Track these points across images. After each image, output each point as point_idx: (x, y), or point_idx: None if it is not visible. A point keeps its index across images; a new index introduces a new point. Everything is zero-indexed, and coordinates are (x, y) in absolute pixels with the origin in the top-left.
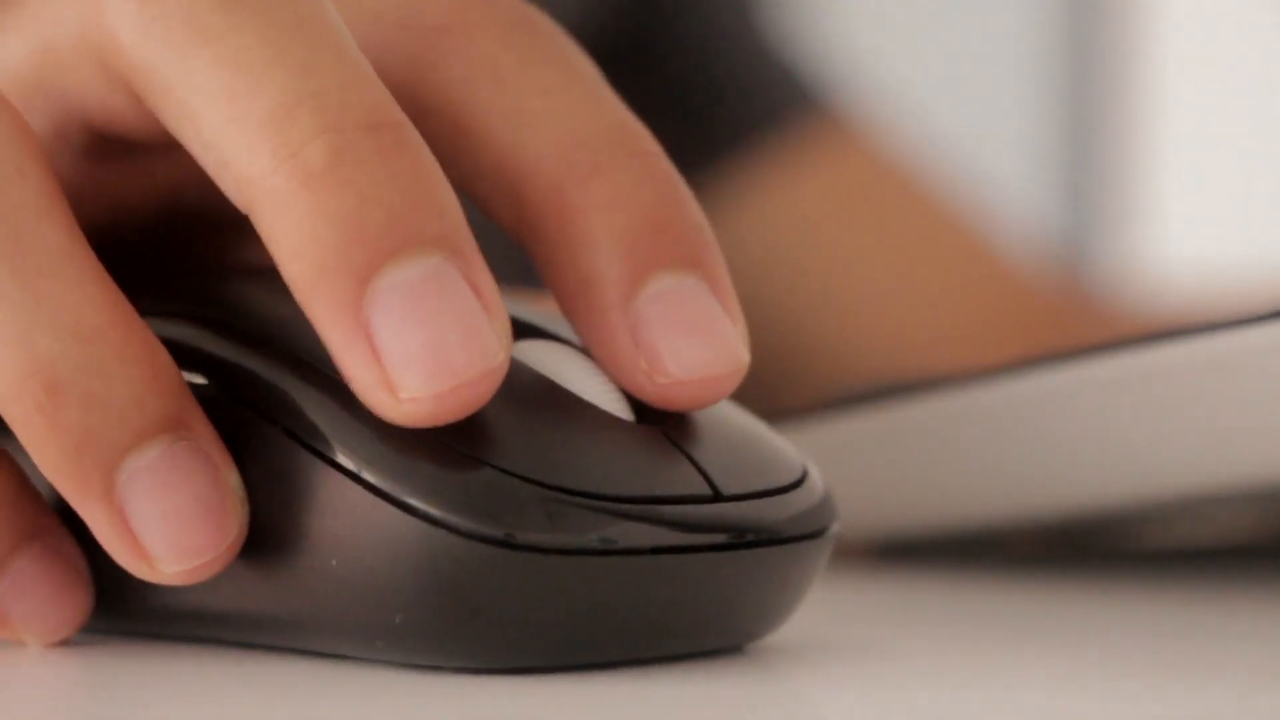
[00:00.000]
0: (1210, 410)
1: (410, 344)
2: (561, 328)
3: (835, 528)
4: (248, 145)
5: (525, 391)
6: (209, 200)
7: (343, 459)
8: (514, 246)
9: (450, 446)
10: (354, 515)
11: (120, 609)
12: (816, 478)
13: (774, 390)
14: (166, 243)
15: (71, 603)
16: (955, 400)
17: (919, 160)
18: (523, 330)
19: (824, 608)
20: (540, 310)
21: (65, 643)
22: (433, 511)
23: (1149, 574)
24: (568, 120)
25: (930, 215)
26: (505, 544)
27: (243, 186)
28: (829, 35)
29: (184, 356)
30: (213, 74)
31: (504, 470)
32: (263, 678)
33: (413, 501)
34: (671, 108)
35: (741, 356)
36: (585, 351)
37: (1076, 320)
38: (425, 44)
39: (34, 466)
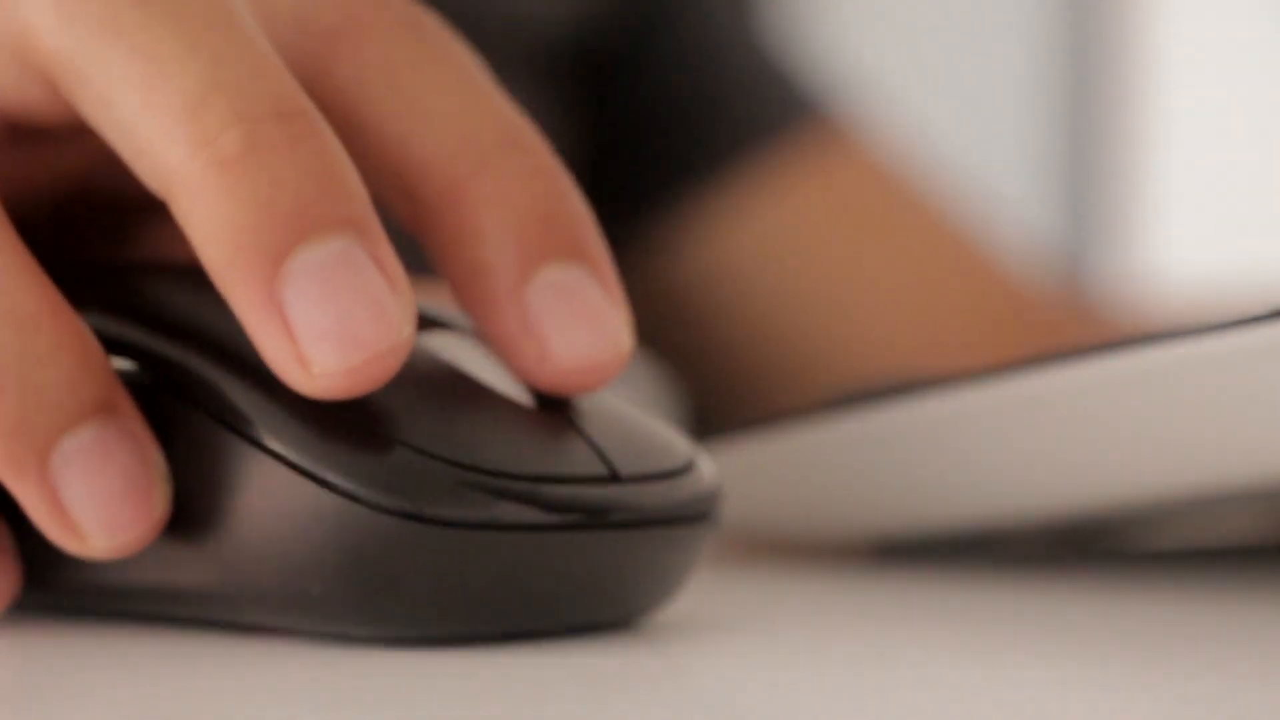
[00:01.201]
0: (1210, 410)
1: (321, 321)
2: (460, 320)
3: (720, 512)
4: (165, 133)
5: (434, 377)
6: (114, 186)
7: (263, 438)
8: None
9: (365, 426)
10: (273, 491)
11: (48, 586)
12: (704, 465)
13: (774, 392)
14: (73, 230)
15: (1, 579)
16: (954, 400)
17: (918, 167)
18: (427, 322)
19: (824, 607)
20: (441, 304)
21: None
22: (348, 486)
23: (1149, 574)
24: (457, 118)
25: (929, 222)
26: (414, 518)
27: (160, 173)
28: (828, 43)
29: (106, 346)
30: (129, 65)
31: (415, 448)
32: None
33: (329, 477)
34: (670, 116)
35: (624, 343)
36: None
37: (1075, 328)
38: (320, 46)
39: None
